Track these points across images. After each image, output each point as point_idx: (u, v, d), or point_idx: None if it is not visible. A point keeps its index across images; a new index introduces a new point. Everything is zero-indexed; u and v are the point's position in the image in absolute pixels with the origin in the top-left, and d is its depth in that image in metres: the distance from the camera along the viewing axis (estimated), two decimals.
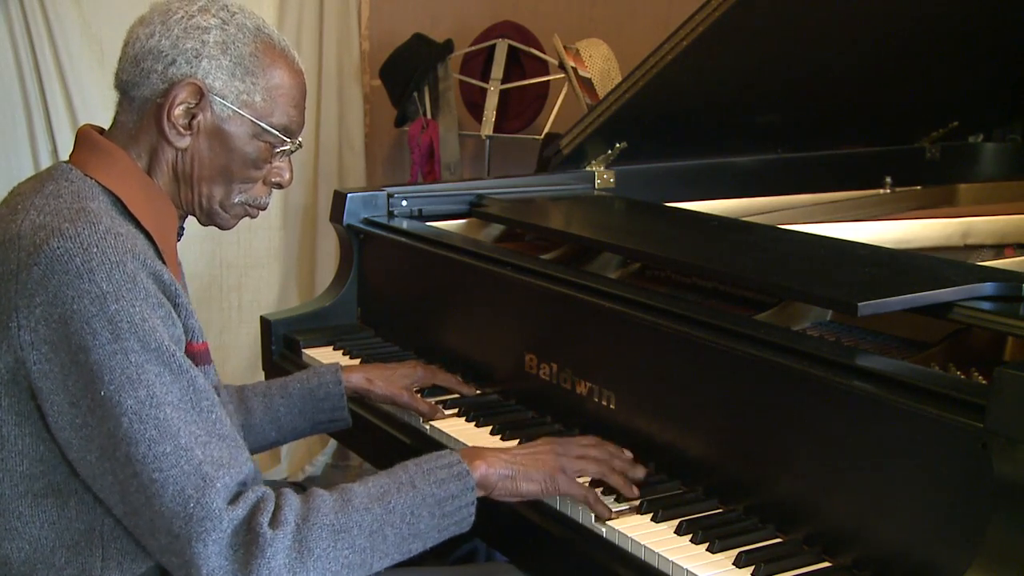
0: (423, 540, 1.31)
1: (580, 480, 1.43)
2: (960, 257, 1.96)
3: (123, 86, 1.37)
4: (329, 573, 1.22)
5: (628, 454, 1.50)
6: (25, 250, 1.21)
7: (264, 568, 1.16)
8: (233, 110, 1.35)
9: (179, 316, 1.28)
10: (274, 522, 1.19)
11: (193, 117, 1.34)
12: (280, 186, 1.45)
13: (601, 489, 1.45)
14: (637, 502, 1.42)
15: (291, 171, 1.45)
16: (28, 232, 1.23)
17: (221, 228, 1.46)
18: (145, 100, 1.35)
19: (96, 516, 1.26)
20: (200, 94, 1.33)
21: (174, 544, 1.17)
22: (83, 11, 3.16)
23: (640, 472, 1.47)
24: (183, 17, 1.33)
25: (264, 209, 1.46)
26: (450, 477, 1.33)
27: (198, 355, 1.31)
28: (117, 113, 1.39)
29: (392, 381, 1.76)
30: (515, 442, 1.62)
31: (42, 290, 1.19)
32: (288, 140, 1.40)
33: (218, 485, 1.18)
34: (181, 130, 1.34)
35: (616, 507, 1.42)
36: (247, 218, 1.46)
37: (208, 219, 1.44)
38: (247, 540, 1.17)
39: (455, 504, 1.32)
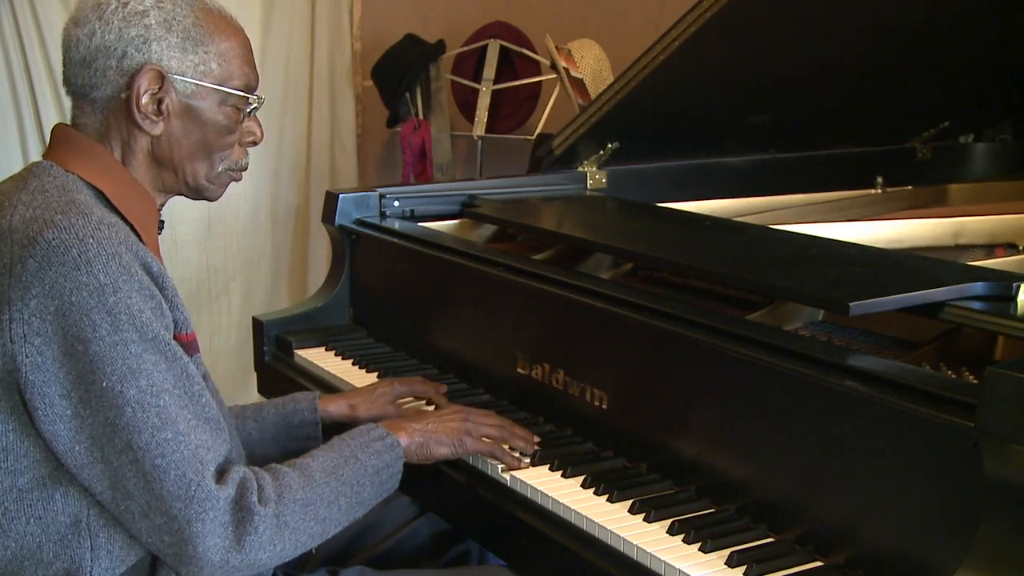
0: (365, 506, 1.41)
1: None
2: (951, 257, 1.96)
3: (79, 90, 1.37)
4: (299, 543, 1.31)
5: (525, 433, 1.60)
6: (19, 243, 1.21)
7: (256, 542, 1.24)
8: (196, 84, 1.36)
9: (167, 306, 1.29)
10: (261, 499, 1.26)
11: (160, 102, 1.35)
12: (255, 143, 1.47)
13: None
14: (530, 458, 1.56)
15: (260, 127, 1.47)
16: (20, 226, 1.23)
17: (210, 200, 1.47)
18: (108, 99, 1.35)
19: (81, 507, 1.26)
20: (161, 78, 1.34)
21: (170, 525, 1.21)
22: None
23: (530, 447, 1.58)
24: (118, 7, 1.33)
25: (245, 169, 1.48)
26: (384, 448, 1.44)
27: (186, 345, 1.31)
28: (76, 117, 1.38)
29: (374, 402, 1.74)
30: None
31: (38, 282, 1.19)
32: (252, 97, 1.42)
33: (211, 467, 1.24)
34: (153, 117, 1.35)
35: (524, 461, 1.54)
36: (233, 183, 1.47)
37: (196, 195, 1.45)
38: (240, 517, 1.24)
39: (389, 472, 1.43)
